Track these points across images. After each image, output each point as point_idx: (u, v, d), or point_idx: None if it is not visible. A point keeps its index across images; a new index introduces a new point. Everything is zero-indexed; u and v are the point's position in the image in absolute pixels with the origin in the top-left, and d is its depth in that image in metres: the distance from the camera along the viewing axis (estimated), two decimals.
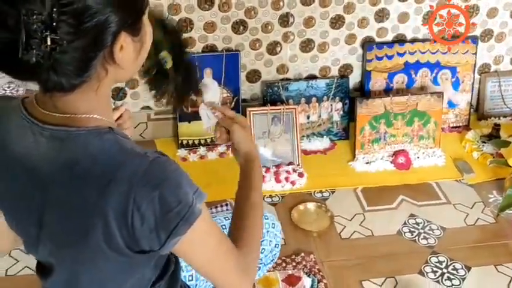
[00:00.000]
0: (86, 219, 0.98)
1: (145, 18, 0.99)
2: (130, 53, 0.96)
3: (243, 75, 2.50)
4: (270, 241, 1.57)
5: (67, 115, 0.97)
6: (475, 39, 2.57)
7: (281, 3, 2.37)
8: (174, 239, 1.01)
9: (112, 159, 0.97)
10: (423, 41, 2.54)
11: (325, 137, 2.57)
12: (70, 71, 0.89)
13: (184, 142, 2.49)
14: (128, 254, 1.02)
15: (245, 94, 2.55)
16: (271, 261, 1.61)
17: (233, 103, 2.49)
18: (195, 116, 2.47)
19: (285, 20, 2.41)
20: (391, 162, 2.44)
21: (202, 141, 2.49)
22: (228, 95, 2.48)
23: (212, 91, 2.45)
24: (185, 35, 2.23)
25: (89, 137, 0.97)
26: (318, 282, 1.92)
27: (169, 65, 1.26)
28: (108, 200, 0.96)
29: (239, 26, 2.40)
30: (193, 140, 2.49)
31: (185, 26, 2.34)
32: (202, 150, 2.47)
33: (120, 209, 0.96)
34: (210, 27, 2.38)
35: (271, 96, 2.51)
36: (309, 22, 2.44)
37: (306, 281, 1.92)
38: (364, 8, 2.45)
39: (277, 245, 1.59)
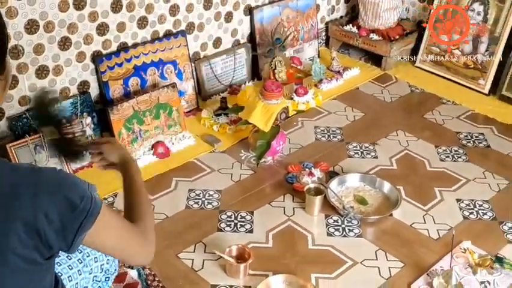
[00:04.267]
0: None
1: (8, 58, 1.11)
2: None
3: None
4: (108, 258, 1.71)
5: None
6: (183, 33, 2.97)
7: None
8: (82, 234, 1.15)
9: (7, 177, 1.08)
10: (143, 43, 2.84)
11: (84, 152, 2.70)
12: None
13: None
14: (40, 262, 1.13)
15: None
16: (115, 270, 1.76)
17: None
18: None
19: (15, 52, 2.46)
20: (153, 154, 2.71)
21: None
22: None
23: None
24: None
25: None
26: (143, 269, 2.10)
27: (48, 136, 1.41)
28: (15, 215, 1.06)
29: None
30: None
31: None
32: None
33: (29, 221, 1.07)
34: None
35: (22, 129, 2.53)
36: (38, 49, 2.53)
37: (132, 273, 2.09)
38: (86, 26, 2.63)
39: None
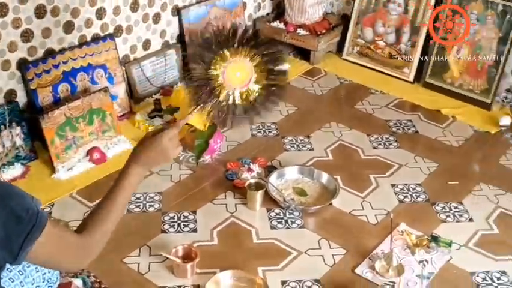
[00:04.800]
0: None
1: None
2: None
3: None
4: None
5: None
6: (111, 37, 2.93)
7: None
8: (29, 246, 1.13)
9: None
10: (71, 49, 2.78)
11: (16, 163, 2.61)
12: None
13: None
14: None
15: None
16: (57, 279, 1.73)
17: None
18: None
19: None
20: (89, 160, 2.66)
21: None
22: None
23: None
24: None
25: None
26: (88, 277, 2.07)
27: None
28: None
29: None
30: None
31: None
32: None
33: None
34: None
35: None
36: None
37: (77, 282, 2.05)
38: (9, 33, 2.55)
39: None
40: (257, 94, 1.57)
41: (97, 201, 1.47)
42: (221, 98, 1.54)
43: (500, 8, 3.12)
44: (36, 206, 1.13)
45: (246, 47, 1.55)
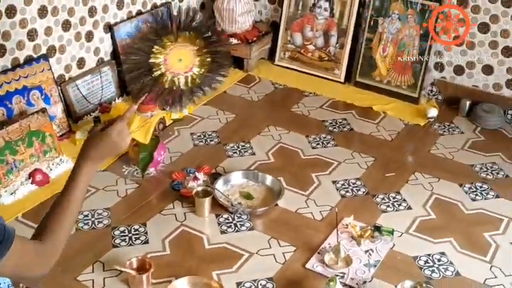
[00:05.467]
0: None
1: None
2: None
3: None
4: None
5: None
6: (45, 57, 2.91)
7: None
8: None
9: None
10: (4, 72, 2.74)
11: None
12: None
13: None
14: None
15: None
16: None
17: None
18: None
19: None
20: (32, 183, 2.64)
21: None
22: None
23: None
24: None
25: None
26: None
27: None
28: None
29: None
30: None
31: None
32: None
33: None
34: None
35: None
36: None
37: None
38: None
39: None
40: (201, 76, 1.64)
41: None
42: (166, 85, 1.59)
43: (419, 6, 3.31)
44: (1, 222, 1.15)
45: (185, 32, 1.61)
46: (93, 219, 2.46)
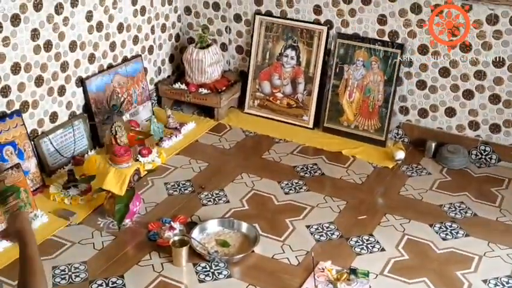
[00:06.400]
0: None
1: None
2: None
3: None
4: None
5: None
6: (18, 113, 2.93)
7: None
8: None
9: None
10: None
11: None
12: None
13: None
14: None
15: None
16: None
17: None
18: None
19: None
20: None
21: None
22: None
23: None
24: None
25: None
26: None
27: None
28: None
29: None
30: None
31: None
32: None
33: None
34: None
35: None
36: None
37: None
38: None
39: None
40: None
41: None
42: None
43: (382, 53, 3.44)
44: None
45: None
46: (70, 273, 2.45)
